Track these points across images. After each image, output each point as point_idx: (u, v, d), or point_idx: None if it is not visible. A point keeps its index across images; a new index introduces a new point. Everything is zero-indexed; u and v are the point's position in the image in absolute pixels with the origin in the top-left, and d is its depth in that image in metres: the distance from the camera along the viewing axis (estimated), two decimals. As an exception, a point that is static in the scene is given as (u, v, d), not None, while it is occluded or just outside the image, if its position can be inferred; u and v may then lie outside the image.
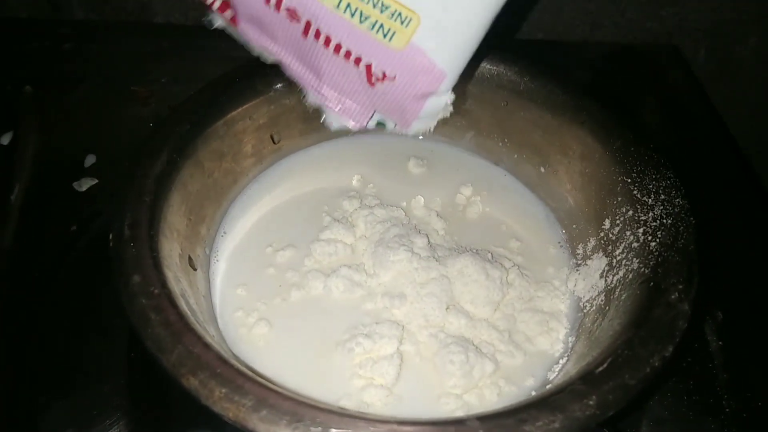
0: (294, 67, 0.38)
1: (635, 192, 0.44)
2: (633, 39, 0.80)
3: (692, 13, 0.77)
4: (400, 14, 0.32)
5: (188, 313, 0.36)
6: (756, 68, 0.82)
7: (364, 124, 0.38)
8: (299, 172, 0.54)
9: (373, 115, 0.37)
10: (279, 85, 0.50)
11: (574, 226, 0.50)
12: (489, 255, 0.48)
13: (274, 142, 0.52)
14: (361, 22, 0.33)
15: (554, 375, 0.42)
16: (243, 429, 0.31)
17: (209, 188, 0.47)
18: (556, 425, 0.31)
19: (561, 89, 0.49)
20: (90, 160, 0.61)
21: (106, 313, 0.51)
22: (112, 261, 0.37)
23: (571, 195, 0.50)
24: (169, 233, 0.40)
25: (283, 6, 0.33)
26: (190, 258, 0.43)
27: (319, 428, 0.31)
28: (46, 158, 0.61)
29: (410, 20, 0.32)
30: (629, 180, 0.44)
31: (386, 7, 0.32)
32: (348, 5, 0.32)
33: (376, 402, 0.40)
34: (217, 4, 0.36)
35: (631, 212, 0.43)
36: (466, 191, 0.54)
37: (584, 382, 0.33)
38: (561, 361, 0.43)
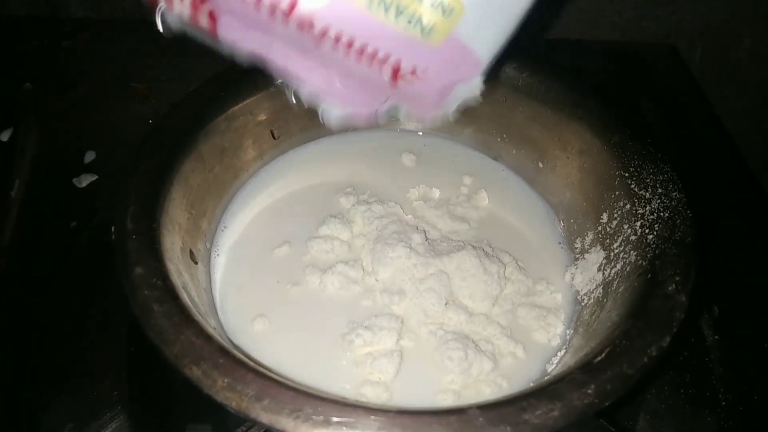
0: (292, 66, 0.35)
1: (633, 186, 0.44)
2: (630, 39, 0.80)
3: (688, 13, 0.78)
4: (442, 4, 0.30)
5: (190, 304, 0.36)
6: (752, 67, 0.82)
7: (374, 115, 0.37)
8: (298, 168, 0.54)
9: (385, 104, 0.36)
10: (279, 82, 0.50)
11: (572, 221, 0.50)
12: (487, 250, 0.48)
13: (274, 138, 0.52)
14: (396, 17, 0.31)
15: (552, 367, 0.43)
16: (246, 418, 0.31)
17: (210, 183, 0.47)
18: (555, 413, 0.31)
19: (560, 85, 0.50)
20: (90, 156, 0.61)
21: (106, 309, 0.51)
22: (114, 253, 0.37)
23: (569, 190, 0.51)
24: (170, 227, 0.41)
25: (294, 17, 0.31)
26: (191, 252, 0.43)
27: (321, 417, 0.31)
28: (45, 155, 0.62)
29: (452, 10, 0.31)
30: (627, 174, 0.45)
31: None
32: (382, 1, 0.30)
33: (373, 397, 0.40)
34: None
35: (628, 206, 0.44)
36: (465, 187, 0.54)
37: (583, 371, 0.33)
38: (559, 354, 0.43)
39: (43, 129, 0.64)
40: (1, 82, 0.68)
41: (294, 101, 0.37)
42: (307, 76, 0.35)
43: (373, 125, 0.42)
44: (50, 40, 0.73)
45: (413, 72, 0.33)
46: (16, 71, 0.69)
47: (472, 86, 0.35)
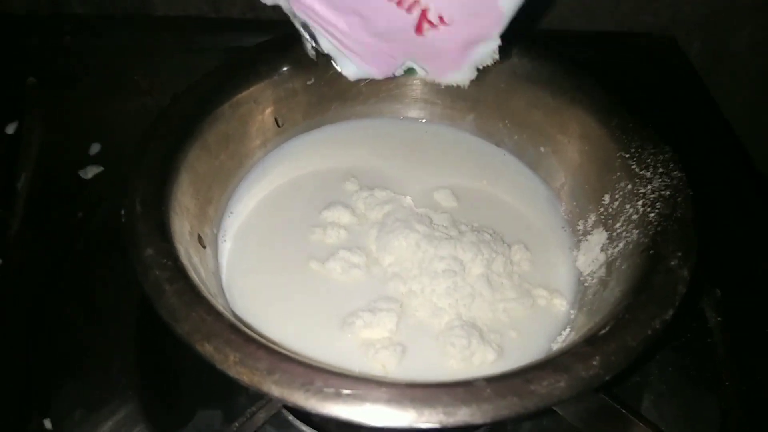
0: (319, 6, 0.35)
1: (634, 166, 0.45)
2: (628, 30, 0.80)
3: (687, 5, 0.77)
4: None
5: (200, 284, 0.36)
6: (751, 58, 0.82)
7: (392, 72, 0.36)
8: (302, 154, 0.55)
9: (404, 62, 0.36)
10: (284, 69, 0.51)
11: (575, 203, 0.51)
12: (491, 235, 0.49)
13: (278, 126, 0.53)
14: None
15: (558, 346, 0.43)
16: (258, 392, 0.32)
17: (216, 170, 0.48)
18: (561, 384, 0.32)
19: (559, 70, 0.50)
20: (95, 148, 0.62)
21: (113, 298, 0.51)
22: (124, 235, 0.38)
23: (570, 173, 0.51)
24: (179, 210, 0.41)
25: None
26: (199, 236, 0.44)
27: (332, 390, 0.31)
28: (51, 147, 0.62)
29: None
30: (627, 155, 0.45)
31: None
32: None
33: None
34: None
35: (630, 186, 0.44)
36: (468, 172, 0.55)
37: (587, 344, 0.34)
38: (564, 333, 0.44)
39: (49, 122, 0.64)
40: (5, 77, 0.68)
41: (312, 52, 0.36)
42: (334, 19, 0.35)
43: (389, 78, 0.42)
44: (53, 36, 0.73)
45: (440, 19, 0.33)
46: (18, 68, 0.69)
47: (490, 47, 0.35)
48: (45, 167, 0.60)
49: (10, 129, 0.62)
